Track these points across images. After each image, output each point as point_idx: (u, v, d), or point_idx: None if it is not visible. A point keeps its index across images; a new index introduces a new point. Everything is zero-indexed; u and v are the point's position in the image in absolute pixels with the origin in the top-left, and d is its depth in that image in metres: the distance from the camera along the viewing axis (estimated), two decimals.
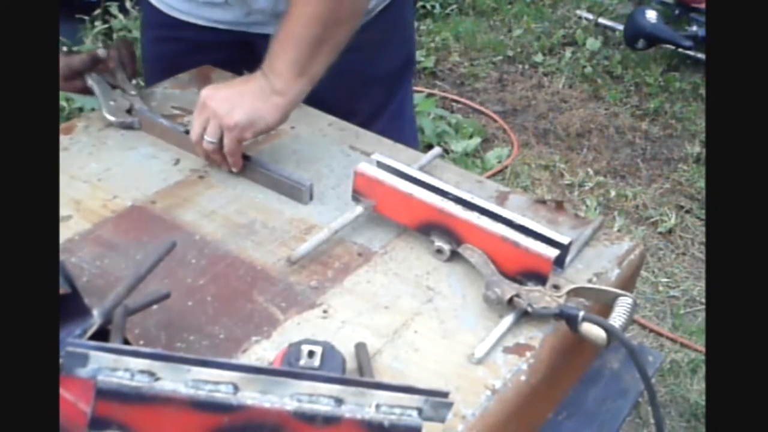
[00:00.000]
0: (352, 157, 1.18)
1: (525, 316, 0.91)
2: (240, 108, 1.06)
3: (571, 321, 0.88)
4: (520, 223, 0.96)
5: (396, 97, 1.48)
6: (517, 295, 0.90)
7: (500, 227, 0.95)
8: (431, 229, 1.00)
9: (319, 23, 1.06)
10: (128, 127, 1.22)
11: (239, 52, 1.39)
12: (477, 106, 3.14)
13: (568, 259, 0.98)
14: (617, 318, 0.88)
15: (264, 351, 0.86)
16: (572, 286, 0.92)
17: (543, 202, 1.13)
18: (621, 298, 0.90)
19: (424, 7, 3.74)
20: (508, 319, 0.90)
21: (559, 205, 1.12)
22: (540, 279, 0.93)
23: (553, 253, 0.92)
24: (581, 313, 0.87)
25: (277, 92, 1.08)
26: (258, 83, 1.09)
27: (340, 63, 1.12)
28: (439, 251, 1.00)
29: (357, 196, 1.04)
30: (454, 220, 0.98)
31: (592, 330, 0.86)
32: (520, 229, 0.96)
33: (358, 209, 1.03)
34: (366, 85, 1.41)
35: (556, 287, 0.92)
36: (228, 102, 1.07)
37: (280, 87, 1.08)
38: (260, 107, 1.07)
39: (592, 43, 3.57)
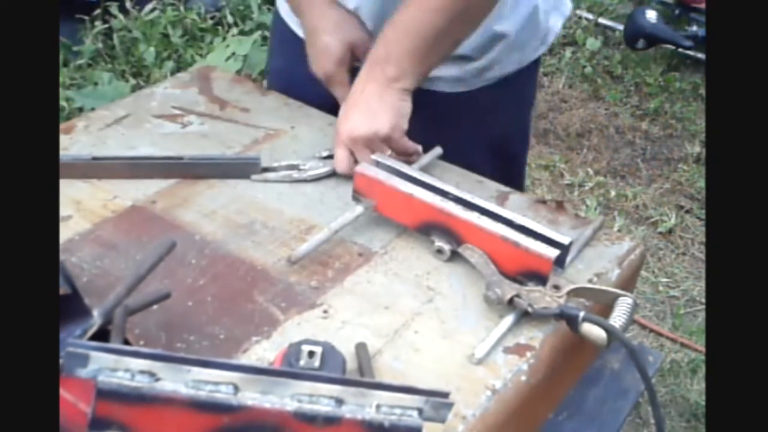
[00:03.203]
0: None
1: (525, 316, 0.91)
2: (379, 117, 1.05)
3: (572, 321, 0.88)
4: (521, 223, 0.96)
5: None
6: (518, 296, 0.90)
7: (500, 227, 0.95)
8: (431, 229, 1.00)
9: (445, 14, 1.03)
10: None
11: None
12: None
13: (568, 259, 0.98)
14: (617, 318, 0.88)
15: (264, 351, 0.86)
16: (572, 287, 0.92)
17: (543, 202, 1.13)
18: (621, 298, 0.90)
19: None
20: (509, 319, 0.90)
21: (559, 205, 1.12)
22: (540, 279, 0.93)
23: (553, 253, 0.92)
24: (581, 314, 0.87)
25: (393, 79, 1.05)
26: (373, 80, 1.06)
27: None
28: (440, 251, 1.00)
29: (357, 196, 1.04)
30: (454, 220, 0.97)
31: (593, 330, 0.86)
32: (521, 229, 0.96)
33: (359, 209, 1.03)
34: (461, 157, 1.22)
35: (557, 287, 0.92)
36: (367, 120, 1.05)
37: (394, 73, 1.05)
38: (391, 101, 1.05)
39: (592, 43, 3.57)
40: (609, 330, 0.85)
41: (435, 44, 1.06)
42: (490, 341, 0.87)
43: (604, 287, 0.94)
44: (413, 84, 1.07)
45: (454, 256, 0.99)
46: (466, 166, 1.18)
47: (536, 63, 1.32)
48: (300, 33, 1.28)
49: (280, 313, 0.91)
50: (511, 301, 0.90)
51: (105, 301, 0.78)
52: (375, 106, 1.06)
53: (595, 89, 3.30)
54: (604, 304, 0.92)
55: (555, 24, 1.28)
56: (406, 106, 1.08)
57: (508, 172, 1.33)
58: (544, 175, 2.78)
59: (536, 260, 0.92)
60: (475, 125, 1.29)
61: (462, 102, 1.25)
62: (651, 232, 2.57)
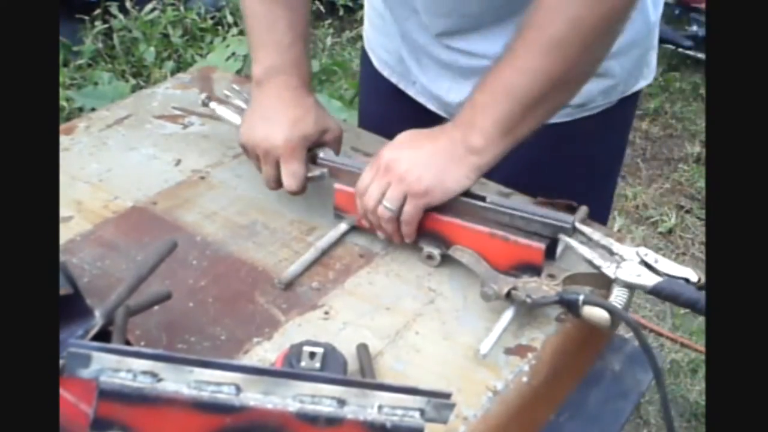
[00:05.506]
0: (353, 158, 1.18)
1: (526, 313, 0.90)
2: (430, 171, 0.93)
3: (572, 306, 0.86)
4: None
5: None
6: (515, 288, 0.89)
7: (486, 223, 0.95)
8: (418, 236, 0.98)
9: (543, 77, 0.91)
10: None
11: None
12: None
13: (559, 249, 0.96)
14: (617, 299, 0.87)
15: (265, 352, 0.86)
16: (568, 273, 0.92)
17: (544, 202, 1.12)
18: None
19: None
20: (509, 312, 0.89)
21: (560, 206, 1.11)
22: (534, 270, 0.92)
23: (542, 242, 0.92)
24: (581, 297, 0.86)
25: (474, 151, 0.93)
26: (450, 139, 0.94)
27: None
28: (430, 257, 0.99)
29: (338, 212, 1.03)
30: (439, 224, 0.97)
31: (594, 312, 0.85)
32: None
33: (342, 226, 1.02)
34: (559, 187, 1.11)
35: (552, 276, 0.91)
36: (416, 165, 0.93)
37: (478, 145, 0.92)
38: (453, 169, 0.93)
39: None
40: (611, 310, 0.84)
41: (527, 112, 0.92)
42: (493, 336, 0.86)
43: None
44: (490, 163, 0.95)
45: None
46: (563, 196, 1.05)
47: (638, 93, 1.26)
48: (391, 79, 1.29)
49: (281, 314, 0.91)
50: (508, 295, 0.89)
51: (106, 301, 0.78)
52: (437, 158, 0.93)
53: None
54: (601, 289, 0.91)
55: (652, 59, 1.25)
56: (462, 186, 0.95)
57: (600, 196, 1.26)
58: None
59: (527, 251, 0.92)
60: (574, 154, 1.22)
61: (564, 131, 1.17)
62: (651, 232, 2.57)
